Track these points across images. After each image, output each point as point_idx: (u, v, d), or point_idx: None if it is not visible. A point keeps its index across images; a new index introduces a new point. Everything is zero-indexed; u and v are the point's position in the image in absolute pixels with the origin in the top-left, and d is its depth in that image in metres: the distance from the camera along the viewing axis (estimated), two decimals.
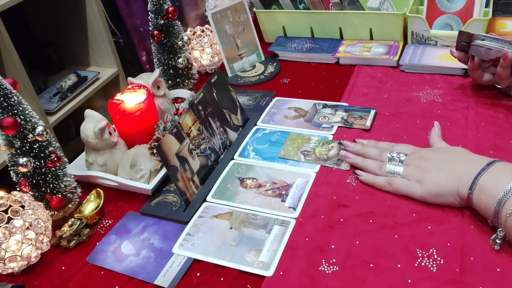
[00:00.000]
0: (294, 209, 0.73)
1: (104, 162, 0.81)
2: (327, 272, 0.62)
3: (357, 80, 1.02)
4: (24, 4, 1.41)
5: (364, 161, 0.77)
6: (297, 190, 0.76)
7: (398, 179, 0.71)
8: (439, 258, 0.61)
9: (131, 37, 1.84)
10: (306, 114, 0.93)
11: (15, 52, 1.33)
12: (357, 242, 0.66)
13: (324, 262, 0.64)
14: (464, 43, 0.88)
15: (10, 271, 0.67)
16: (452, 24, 1.06)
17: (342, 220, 0.69)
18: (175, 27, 0.99)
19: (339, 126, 0.88)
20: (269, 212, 0.73)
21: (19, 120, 0.66)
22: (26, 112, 0.67)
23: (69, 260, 0.71)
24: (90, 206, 0.79)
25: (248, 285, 0.63)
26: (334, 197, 0.73)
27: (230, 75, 1.12)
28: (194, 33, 1.16)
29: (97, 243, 0.73)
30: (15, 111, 0.66)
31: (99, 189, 0.80)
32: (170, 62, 1.00)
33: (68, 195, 0.75)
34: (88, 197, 0.80)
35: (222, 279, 0.64)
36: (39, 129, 0.68)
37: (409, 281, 0.59)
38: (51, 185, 0.72)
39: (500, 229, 0.60)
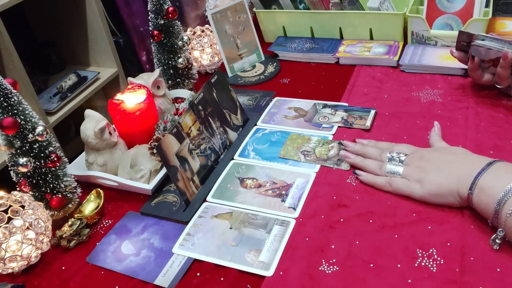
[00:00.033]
0: (294, 209, 0.73)
1: (104, 162, 0.81)
2: (327, 272, 0.62)
3: (357, 80, 1.02)
4: (24, 4, 1.41)
5: (364, 161, 0.77)
6: (297, 190, 0.76)
7: (398, 179, 0.71)
8: (439, 258, 0.61)
9: (131, 37, 1.84)
10: (306, 114, 0.93)
11: (15, 52, 1.33)
12: (357, 242, 0.66)
13: (324, 262, 0.64)
14: (464, 43, 0.88)
15: (10, 271, 0.67)
16: (452, 24, 1.06)
17: (342, 220, 0.69)
18: (175, 27, 0.99)
19: (339, 126, 0.88)
20: (269, 212, 0.73)
21: (19, 120, 0.66)
22: (26, 112, 0.67)
23: (69, 260, 0.71)
24: (90, 206, 0.79)
25: (248, 285, 0.63)
26: (334, 197, 0.73)
27: (230, 75, 1.12)
28: (194, 33, 1.16)
29: (97, 243, 0.73)
30: (15, 111, 0.66)
31: (99, 189, 0.80)
32: (170, 62, 1.00)
33: (68, 195, 0.75)
34: (88, 197, 0.80)
35: (222, 279, 0.64)
36: (39, 129, 0.68)
37: (409, 281, 0.59)
38: (51, 185, 0.72)
39: (500, 229, 0.60)
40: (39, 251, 0.69)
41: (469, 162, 0.66)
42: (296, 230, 0.69)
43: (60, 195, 0.73)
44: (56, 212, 0.74)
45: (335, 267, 0.63)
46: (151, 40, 0.99)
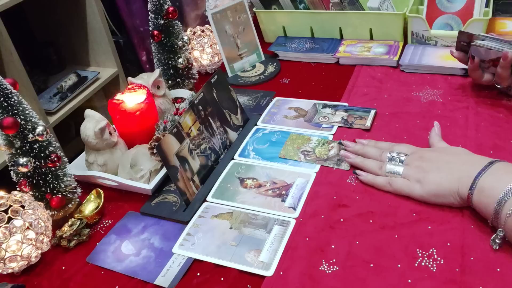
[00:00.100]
0: (294, 209, 0.73)
1: (104, 162, 0.81)
2: (327, 272, 0.62)
3: (357, 80, 1.02)
4: (24, 4, 1.41)
5: (364, 161, 0.77)
6: (297, 190, 0.76)
7: (398, 179, 0.71)
8: (439, 258, 0.61)
9: (131, 37, 1.84)
10: (306, 114, 0.93)
11: (15, 52, 1.33)
12: (357, 242, 0.66)
13: (324, 262, 0.64)
14: (464, 43, 0.88)
15: (10, 271, 0.67)
16: (452, 24, 1.06)
17: (342, 220, 0.69)
18: (175, 27, 0.99)
19: (339, 126, 0.88)
20: (269, 212, 0.73)
21: (19, 120, 0.66)
22: (26, 112, 0.67)
23: (69, 260, 0.71)
24: (90, 206, 0.79)
25: (248, 285, 0.63)
26: (334, 197, 0.73)
27: (230, 75, 1.12)
28: (194, 33, 1.16)
29: (97, 243, 0.73)
30: (15, 111, 0.66)
31: (99, 189, 0.80)
32: (170, 62, 1.00)
33: (68, 195, 0.75)
34: (88, 197, 0.80)
35: (222, 279, 0.64)
36: (39, 129, 0.68)
37: (409, 281, 0.59)
38: (51, 185, 0.72)
39: (500, 229, 0.60)
40: (39, 251, 0.69)
41: (469, 162, 0.66)
42: (296, 230, 0.69)
43: (60, 195, 0.73)
44: (56, 212, 0.74)
45: (335, 267, 0.63)
46: (151, 40, 0.99)
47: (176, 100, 0.97)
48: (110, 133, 0.82)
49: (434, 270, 0.60)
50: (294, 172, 0.80)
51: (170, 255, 0.69)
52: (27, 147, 0.68)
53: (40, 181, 0.71)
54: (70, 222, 0.73)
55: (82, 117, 0.82)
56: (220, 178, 0.81)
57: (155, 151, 0.78)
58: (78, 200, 0.78)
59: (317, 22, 1.17)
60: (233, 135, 0.89)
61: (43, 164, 0.70)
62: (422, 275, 0.60)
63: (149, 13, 0.96)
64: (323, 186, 0.76)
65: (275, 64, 1.15)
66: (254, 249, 0.67)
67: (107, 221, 0.78)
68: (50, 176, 0.72)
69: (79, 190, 0.77)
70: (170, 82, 1.03)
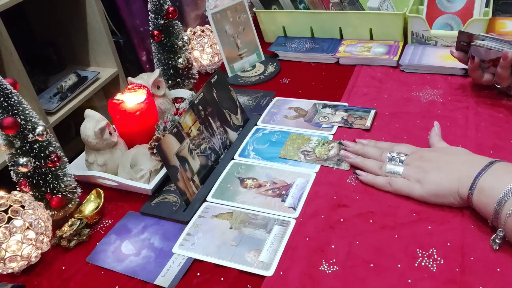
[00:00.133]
0: (294, 209, 0.73)
1: (104, 162, 0.81)
2: (327, 272, 0.62)
3: (357, 80, 1.02)
4: (24, 4, 1.41)
5: (364, 161, 0.77)
6: (297, 190, 0.76)
7: (398, 179, 0.71)
8: (439, 258, 0.61)
9: (131, 37, 1.84)
10: (306, 114, 0.93)
11: (15, 52, 1.33)
12: (357, 242, 0.66)
13: (324, 262, 0.64)
14: (464, 43, 0.88)
15: (10, 271, 0.67)
16: (452, 24, 1.06)
17: (342, 220, 0.69)
18: (175, 27, 0.99)
19: (339, 126, 0.88)
20: (269, 212, 0.73)
21: (19, 120, 0.66)
22: (26, 112, 0.67)
23: (69, 260, 0.71)
24: (90, 206, 0.79)
25: (248, 285, 0.63)
26: (334, 197, 0.73)
27: (230, 75, 1.12)
28: (194, 33, 1.16)
29: (97, 243, 0.73)
30: (15, 111, 0.66)
31: (99, 189, 0.80)
32: (170, 62, 1.00)
33: (68, 195, 0.75)
34: (88, 197, 0.80)
35: (222, 279, 0.64)
36: (39, 129, 0.68)
37: (409, 281, 0.59)
38: (51, 185, 0.72)
39: (500, 229, 0.60)
40: (39, 251, 0.69)
41: (469, 162, 0.66)
42: (296, 230, 0.69)
43: (60, 195, 0.73)
44: (56, 212, 0.74)
45: (335, 267, 0.63)
46: (151, 40, 0.99)
47: (176, 100, 0.97)
48: (110, 133, 0.82)
49: (434, 270, 0.60)
50: (294, 172, 0.80)
51: (170, 255, 0.69)
52: (27, 147, 0.68)
53: (40, 181, 0.71)
54: (70, 222, 0.73)
55: (82, 117, 0.82)
56: (220, 178, 0.81)
57: (155, 151, 0.78)
58: (78, 200, 0.78)
59: (317, 22, 1.17)
60: (233, 135, 0.89)
61: (43, 164, 0.70)
62: (422, 275, 0.60)
63: (149, 13, 0.96)
64: (323, 186, 0.76)
65: (275, 64, 1.15)
66: (254, 249, 0.67)
67: (107, 221, 0.78)
68: (50, 176, 0.72)
69: (79, 190, 0.77)
70: (170, 82, 1.03)
